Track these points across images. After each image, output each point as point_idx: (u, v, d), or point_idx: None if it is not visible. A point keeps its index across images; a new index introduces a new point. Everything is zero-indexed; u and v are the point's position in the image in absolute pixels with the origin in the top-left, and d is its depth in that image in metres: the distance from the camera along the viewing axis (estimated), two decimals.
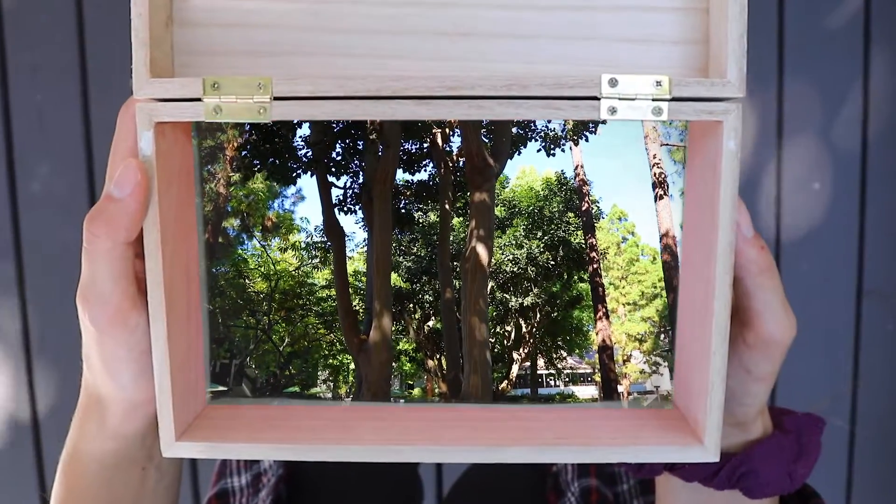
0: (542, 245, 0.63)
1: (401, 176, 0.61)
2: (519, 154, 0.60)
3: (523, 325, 0.63)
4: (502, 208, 0.62)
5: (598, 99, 0.46)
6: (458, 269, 0.61)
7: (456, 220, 0.61)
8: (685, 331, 0.54)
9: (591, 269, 0.62)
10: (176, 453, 0.51)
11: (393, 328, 0.62)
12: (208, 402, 0.57)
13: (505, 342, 0.63)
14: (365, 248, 0.61)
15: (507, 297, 0.63)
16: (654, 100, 0.46)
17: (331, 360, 0.62)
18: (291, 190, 0.60)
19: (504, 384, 0.63)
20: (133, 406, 0.53)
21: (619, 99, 0.46)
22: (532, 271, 0.63)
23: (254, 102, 0.46)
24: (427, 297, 0.62)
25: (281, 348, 0.61)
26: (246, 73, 0.49)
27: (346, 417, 0.55)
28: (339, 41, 0.50)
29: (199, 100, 0.47)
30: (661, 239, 0.59)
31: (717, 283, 0.47)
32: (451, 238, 0.61)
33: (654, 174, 0.58)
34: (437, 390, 0.62)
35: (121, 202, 0.46)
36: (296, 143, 0.59)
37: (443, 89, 0.46)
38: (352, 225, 0.61)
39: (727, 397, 0.49)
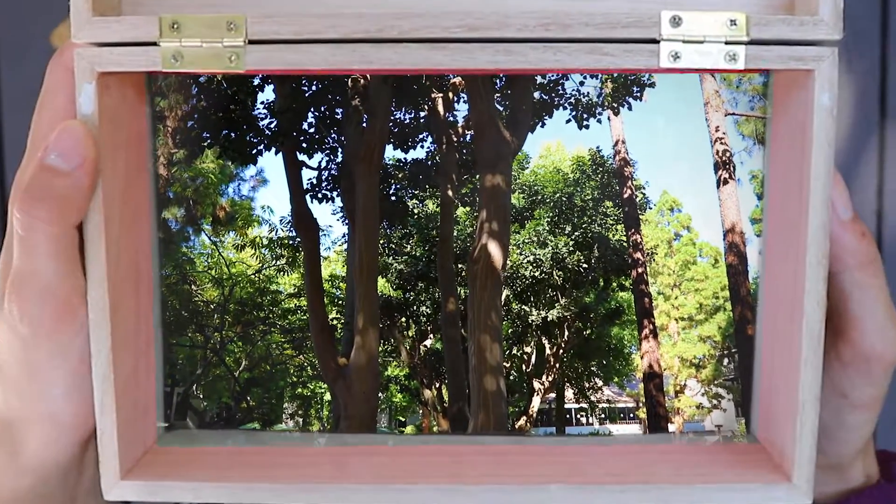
0: (571, 243, 0.61)
1: (390, 153, 0.59)
2: (542, 126, 0.59)
3: (547, 346, 0.62)
4: (521, 195, 0.61)
5: (658, 42, 0.44)
6: (463, 274, 0.60)
7: (461, 211, 0.60)
8: (768, 341, 0.52)
9: (634, 274, 0.60)
10: (121, 495, 0.48)
11: (380, 349, 0.60)
12: (161, 435, 0.55)
13: (523, 367, 0.61)
14: (345, 246, 0.59)
15: (527, 309, 0.61)
16: (727, 43, 0.44)
17: (300, 390, 0.60)
18: (251, 171, 0.59)
19: (522, 421, 0.61)
20: (59, 429, 0.49)
21: (684, 42, 0.44)
22: (558, 277, 0.61)
23: (223, 47, 0.45)
24: (424, 308, 0.61)
25: (237, 373, 0.60)
26: (213, 10, 0.47)
27: (336, 452, 0.53)
28: None
29: (154, 44, 0.45)
30: (724, 236, 0.57)
31: (808, 277, 0.45)
32: (455, 233, 0.60)
33: (717, 152, 0.57)
34: (435, 428, 0.61)
35: (70, 177, 0.44)
36: (257, 112, 0.57)
37: (462, 30, 0.44)
38: (328, 216, 0.60)
39: (818, 430, 0.47)
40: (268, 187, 0.58)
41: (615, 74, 0.56)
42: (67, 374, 0.48)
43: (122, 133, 0.49)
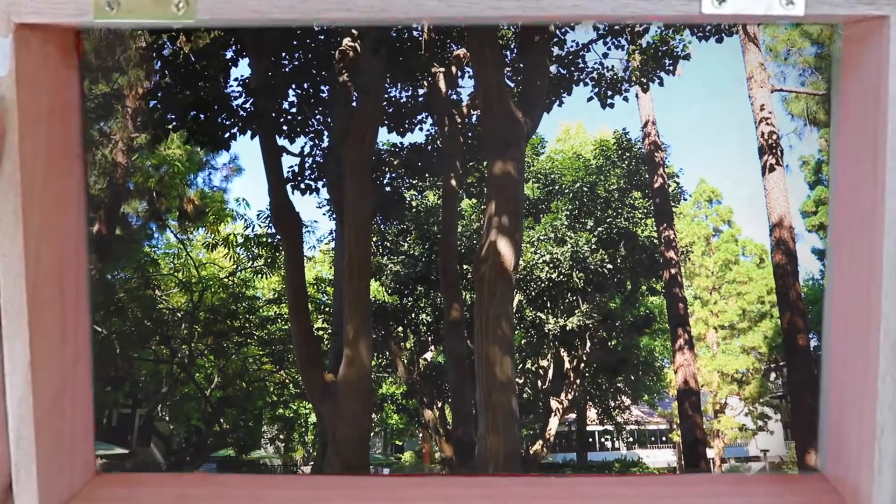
0: (593, 240, 0.54)
1: (384, 137, 0.51)
2: (560, 104, 0.54)
3: (566, 359, 0.55)
4: (535, 185, 0.54)
5: None
6: (469, 276, 0.53)
7: (466, 203, 0.52)
8: (837, 355, 0.48)
9: (666, 275, 0.53)
10: None
11: (373, 363, 0.52)
12: (98, 471, 0.51)
13: (539, 384, 0.55)
14: (332, 245, 0.52)
15: (542, 316, 0.55)
16: None
17: (281, 410, 0.53)
18: (223, 158, 0.51)
19: (538, 446, 0.54)
20: None
21: None
22: (579, 279, 0.55)
23: None
24: (424, 316, 0.54)
25: (208, 392, 0.52)
26: None
27: (313, 486, 0.50)
28: None
29: None
30: (771, 231, 0.51)
31: (886, 272, 0.41)
32: (460, 230, 0.52)
33: (762, 134, 0.52)
34: (437, 454, 0.54)
35: None
36: (230, 90, 0.50)
37: None
38: (312, 210, 0.52)
39: None
40: (243, 177, 0.54)
41: (644, 44, 0.51)
42: None
43: (43, 101, 0.43)
